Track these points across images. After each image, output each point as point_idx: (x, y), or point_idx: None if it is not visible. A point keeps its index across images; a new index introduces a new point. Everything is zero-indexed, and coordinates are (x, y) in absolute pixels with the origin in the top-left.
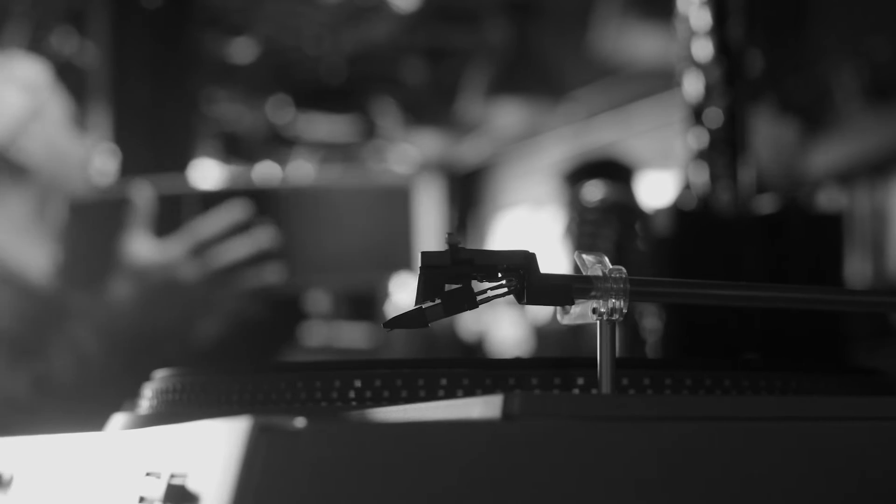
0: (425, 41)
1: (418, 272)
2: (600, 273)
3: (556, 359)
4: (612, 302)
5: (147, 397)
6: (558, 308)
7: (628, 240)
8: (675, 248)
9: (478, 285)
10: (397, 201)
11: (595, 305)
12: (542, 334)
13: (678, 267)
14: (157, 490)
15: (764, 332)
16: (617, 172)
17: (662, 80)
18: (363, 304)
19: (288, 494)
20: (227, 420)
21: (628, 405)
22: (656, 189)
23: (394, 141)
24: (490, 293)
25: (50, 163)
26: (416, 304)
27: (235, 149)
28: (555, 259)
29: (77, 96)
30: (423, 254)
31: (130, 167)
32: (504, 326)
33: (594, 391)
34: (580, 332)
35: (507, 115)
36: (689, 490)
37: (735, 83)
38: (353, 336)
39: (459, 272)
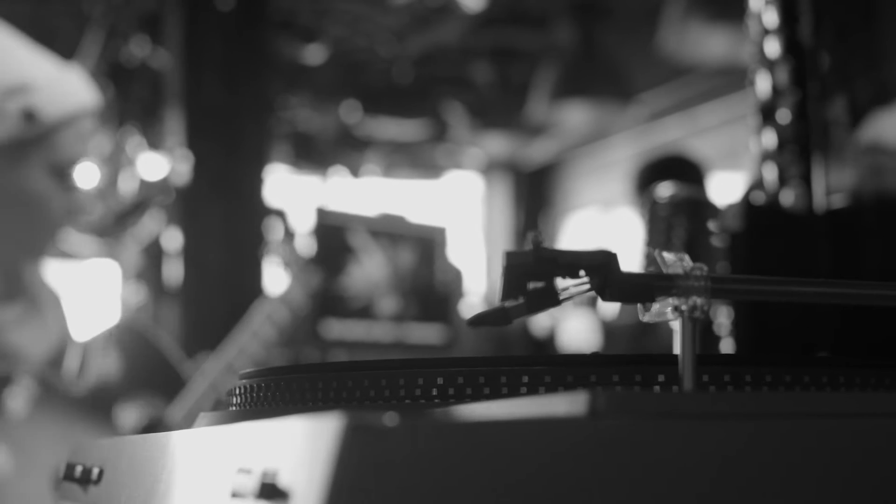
0: (493, 43)
1: (502, 271)
2: (681, 271)
3: (637, 355)
4: (693, 300)
5: (234, 395)
6: (639, 305)
7: (701, 236)
8: (747, 243)
9: (560, 283)
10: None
11: (676, 303)
12: (611, 330)
13: (750, 262)
14: (250, 486)
15: (836, 329)
16: (688, 168)
17: (730, 81)
18: (433, 304)
19: (379, 491)
20: (318, 417)
21: (716, 402)
22: (725, 190)
23: (463, 143)
24: (572, 291)
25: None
26: (500, 302)
27: (306, 151)
28: (626, 259)
29: (153, 101)
30: (508, 253)
31: (203, 171)
32: (574, 322)
33: (675, 388)
34: (649, 328)
35: (575, 117)
36: (779, 486)
37: (804, 82)
38: (423, 334)
39: (543, 271)
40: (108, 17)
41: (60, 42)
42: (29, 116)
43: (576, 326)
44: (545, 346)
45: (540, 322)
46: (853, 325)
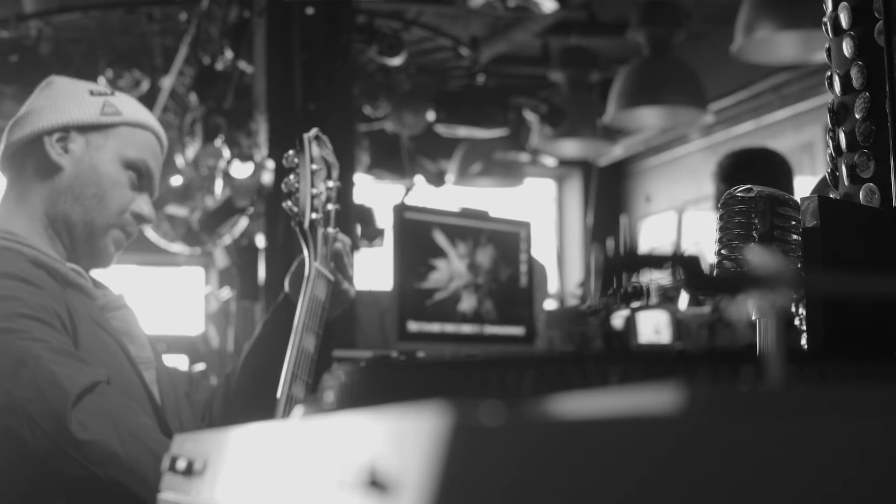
0: (569, 50)
1: (600, 269)
2: (767, 267)
3: (725, 350)
4: (779, 295)
5: (330, 389)
6: (726, 301)
7: (782, 232)
8: (821, 240)
9: (649, 279)
10: None
11: (763, 299)
12: (684, 322)
13: (824, 259)
14: (356, 476)
15: None
16: (773, 163)
17: (805, 86)
18: (516, 298)
19: (482, 485)
20: (420, 411)
21: (811, 398)
22: (798, 191)
23: (539, 149)
24: (661, 286)
25: (76, 171)
26: (594, 297)
27: (386, 161)
28: (706, 257)
29: (239, 108)
30: (605, 254)
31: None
32: (647, 314)
33: (761, 383)
34: (721, 320)
35: (650, 122)
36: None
37: (878, 82)
38: (505, 328)
39: (633, 268)
40: (196, 26)
41: (151, 51)
42: (105, 106)
43: (649, 319)
44: (621, 338)
45: (617, 314)
46: None
